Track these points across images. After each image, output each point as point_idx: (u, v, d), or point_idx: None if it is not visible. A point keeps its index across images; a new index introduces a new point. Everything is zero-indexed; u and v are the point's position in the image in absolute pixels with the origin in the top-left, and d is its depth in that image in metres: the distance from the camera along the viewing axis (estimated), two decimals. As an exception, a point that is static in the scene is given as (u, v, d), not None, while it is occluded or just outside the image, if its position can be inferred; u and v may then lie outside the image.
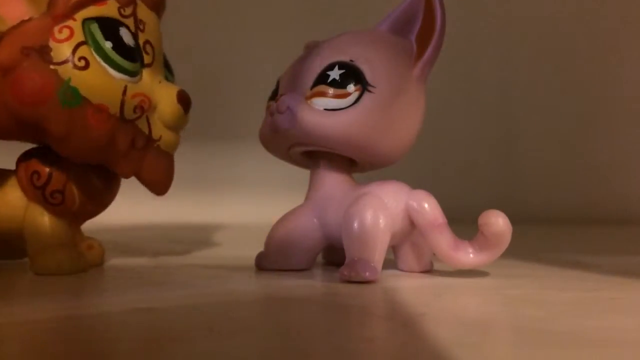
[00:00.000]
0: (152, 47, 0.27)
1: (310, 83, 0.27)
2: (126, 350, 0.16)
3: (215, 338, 0.16)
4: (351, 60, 0.27)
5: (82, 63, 0.24)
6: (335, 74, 0.27)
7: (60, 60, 0.24)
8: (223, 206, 0.67)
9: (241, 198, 0.69)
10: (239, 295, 0.23)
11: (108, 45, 0.25)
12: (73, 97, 0.24)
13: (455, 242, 0.26)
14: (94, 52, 0.25)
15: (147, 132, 0.27)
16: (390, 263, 0.29)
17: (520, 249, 0.25)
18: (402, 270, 0.29)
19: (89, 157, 0.26)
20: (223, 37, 0.73)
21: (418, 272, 0.28)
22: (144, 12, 0.27)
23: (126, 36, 0.26)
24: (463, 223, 0.29)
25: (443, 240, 0.26)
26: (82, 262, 0.28)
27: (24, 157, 0.27)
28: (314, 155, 0.29)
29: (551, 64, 0.79)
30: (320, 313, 0.21)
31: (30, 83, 0.24)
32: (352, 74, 0.27)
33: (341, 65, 0.27)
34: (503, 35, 0.79)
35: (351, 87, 0.27)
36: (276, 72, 0.31)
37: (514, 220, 0.26)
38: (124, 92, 0.25)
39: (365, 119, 0.27)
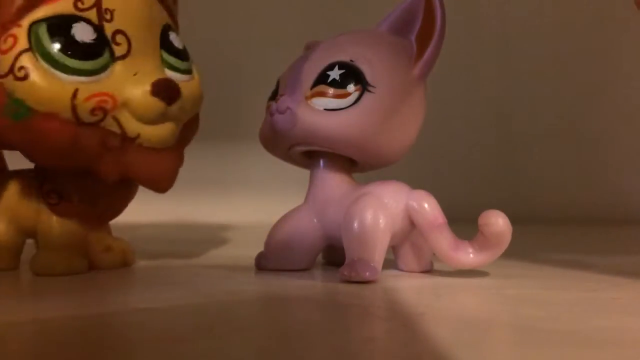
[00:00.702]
0: (127, 36, 0.25)
1: (310, 83, 0.27)
2: (126, 350, 0.16)
3: (215, 338, 0.16)
4: (351, 60, 0.27)
5: (22, 73, 0.23)
6: (335, 74, 0.27)
7: (4, 72, 0.23)
8: (223, 206, 0.67)
9: (241, 198, 0.69)
10: (239, 295, 0.23)
11: (55, 47, 0.24)
12: (20, 109, 0.23)
13: (455, 242, 0.26)
14: (39, 58, 0.23)
15: (118, 131, 0.25)
16: (390, 263, 0.29)
17: (520, 249, 0.25)
18: (402, 270, 0.29)
19: (62, 163, 0.26)
20: (223, 37, 0.73)
21: (418, 272, 0.28)
22: (112, 1, 0.25)
23: (81, 33, 0.24)
24: (463, 223, 0.29)
25: (443, 240, 0.26)
26: (77, 265, 0.28)
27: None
28: (314, 155, 0.29)
29: (551, 64, 0.79)
30: (320, 313, 0.21)
31: None
32: (352, 74, 0.27)
33: (341, 65, 0.27)
34: (503, 35, 0.79)
35: (351, 87, 0.27)
36: (277, 72, 0.31)
37: (514, 220, 0.26)
38: (74, 96, 0.24)
39: (366, 119, 0.27)
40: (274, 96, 0.29)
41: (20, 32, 0.24)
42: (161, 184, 0.27)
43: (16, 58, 0.23)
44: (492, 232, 0.25)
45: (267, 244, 0.29)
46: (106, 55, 0.24)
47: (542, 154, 0.79)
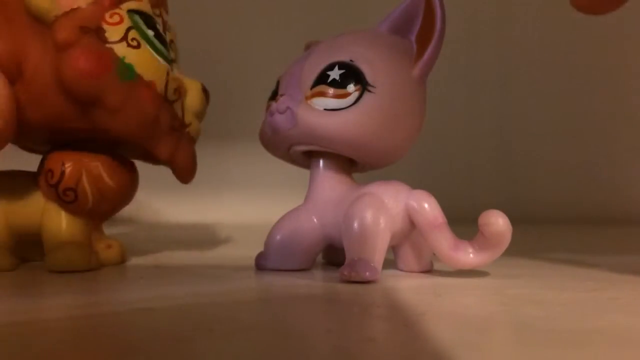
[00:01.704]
0: (175, 46, 0.30)
1: (310, 83, 0.27)
2: (126, 350, 0.16)
3: (215, 338, 0.16)
4: (351, 60, 0.27)
5: (135, 43, 0.27)
6: (335, 74, 0.27)
7: (114, 40, 0.26)
8: (223, 206, 0.67)
9: (241, 198, 0.69)
10: (239, 295, 0.23)
11: (151, 33, 0.27)
12: (129, 73, 0.26)
13: (455, 242, 0.26)
14: (141, 37, 0.27)
15: (181, 116, 0.29)
16: (390, 263, 0.29)
17: (520, 249, 0.25)
18: (402, 270, 0.29)
19: (135, 133, 0.28)
20: (222, 37, 0.73)
21: (418, 272, 0.28)
22: (165, 16, 0.30)
23: (160, 30, 0.28)
24: (463, 223, 0.29)
25: (443, 240, 0.26)
26: (93, 260, 0.29)
27: (43, 159, 0.29)
28: (314, 155, 0.29)
29: (552, 64, 0.79)
30: (320, 313, 0.21)
31: (91, 56, 0.25)
32: (352, 74, 0.27)
33: (341, 65, 0.27)
34: (503, 35, 0.79)
35: (351, 87, 0.27)
36: (276, 72, 0.31)
37: (514, 220, 0.26)
38: (167, 74, 0.28)
39: (365, 119, 0.27)
40: (274, 96, 0.29)
41: (123, 14, 0.27)
42: (192, 174, 0.31)
43: (127, 30, 0.27)
44: (492, 232, 0.25)
45: (267, 244, 0.29)
46: (169, 51, 0.29)
47: (542, 154, 0.79)
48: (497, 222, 0.25)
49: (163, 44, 0.28)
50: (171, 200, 0.63)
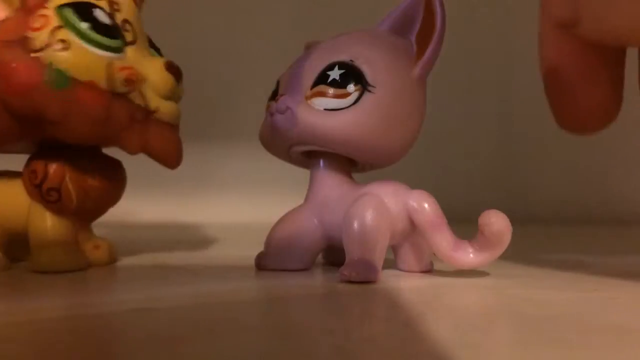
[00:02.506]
0: (132, 25, 0.28)
1: (310, 83, 0.27)
2: (125, 350, 0.16)
3: (215, 338, 0.16)
4: (351, 60, 0.27)
5: (62, 45, 0.25)
6: (335, 74, 0.27)
7: (40, 47, 0.25)
8: (223, 206, 0.67)
9: (241, 198, 0.69)
10: (239, 295, 0.23)
11: (84, 25, 0.26)
12: (60, 79, 0.25)
13: (455, 242, 0.26)
14: (72, 34, 0.25)
15: (143, 104, 0.27)
16: (390, 263, 0.29)
17: (520, 249, 0.25)
18: (402, 270, 0.29)
19: (91, 136, 0.27)
20: (222, 36, 0.73)
21: (418, 272, 0.28)
22: None
23: (101, 16, 0.26)
24: (463, 223, 0.29)
25: (443, 240, 0.26)
26: (79, 261, 0.28)
27: (28, 159, 0.28)
28: (314, 155, 0.29)
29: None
30: (320, 313, 0.21)
31: (15, 72, 0.24)
32: (352, 74, 0.27)
33: (341, 65, 0.27)
34: (504, 34, 0.79)
35: (351, 87, 0.27)
36: (275, 72, 0.31)
37: (513, 220, 0.26)
38: (110, 67, 0.26)
39: (365, 119, 0.27)
40: (274, 96, 0.29)
41: (49, 13, 0.25)
42: (175, 159, 0.29)
43: (53, 32, 0.25)
44: (492, 232, 0.25)
45: (267, 243, 0.29)
46: (121, 39, 0.27)
47: (541, 154, 0.79)
48: (497, 221, 0.25)
49: (107, 31, 0.26)
50: (170, 199, 0.63)
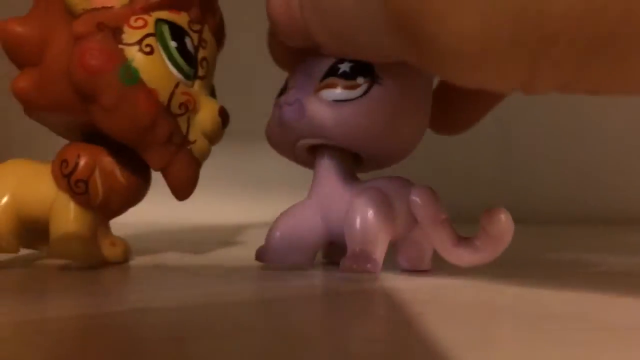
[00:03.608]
0: (208, 65, 0.30)
1: (320, 76, 0.27)
2: (125, 350, 0.16)
3: (215, 338, 0.16)
4: None
5: (148, 49, 0.27)
6: (345, 66, 0.27)
7: (129, 42, 0.27)
8: (223, 206, 0.67)
9: (242, 198, 0.69)
10: (239, 295, 0.23)
11: (173, 44, 0.28)
12: (132, 76, 0.26)
13: (458, 238, 0.26)
14: (159, 46, 0.27)
15: (184, 131, 0.29)
16: (390, 262, 0.29)
17: (521, 249, 0.25)
18: (402, 268, 0.29)
19: (127, 136, 0.28)
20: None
21: (418, 270, 0.28)
22: (207, 35, 0.30)
23: (189, 44, 0.28)
24: (463, 223, 0.29)
25: (445, 236, 0.26)
26: (95, 255, 0.29)
27: (61, 149, 0.29)
28: (320, 151, 0.29)
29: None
30: (321, 313, 0.21)
31: (97, 52, 0.26)
32: (362, 66, 0.27)
33: (352, 59, 0.27)
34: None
35: (361, 79, 0.26)
36: (276, 72, 0.31)
37: (514, 219, 0.26)
38: (176, 86, 0.28)
39: (374, 110, 0.26)
40: (282, 93, 0.29)
41: (149, 20, 0.27)
42: (186, 192, 0.31)
43: (145, 36, 0.27)
44: (494, 230, 0.25)
45: (268, 237, 0.29)
46: (194, 69, 0.29)
47: (542, 154, 0.79)
48: (500, 219, 0.25)
49: (187, 57, 0.28)
50: (171, 199, 0.63)
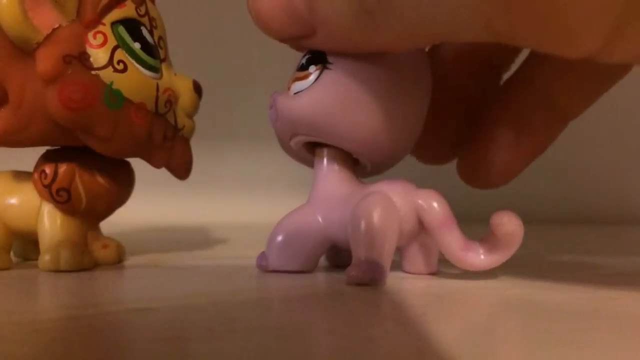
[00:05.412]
0: (164, 41, 0.29)
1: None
2: (125, 350, 0.16)
3: (215, 338, 0.16)
4: None
5: (121, 66, 0.26)
6: (304, 59, 0.27)
7: (100, 65, 0.26)
8: (223, 206, 0.67)
9: (242, 198, 0.69)
10: (239, 295, 0.23)
11: (136, 46, 0.27)
12: (117, 100, 0.26)
13: (465, 242, 0.25)
14: (127, 54, 0.26)
15: (174, 123, 0.29)
16: (396, 264, 0.29)
17: (521, 249, 0.25)
18: (407, 271, 0.28)
19: (128, 153, 0.28)
20: (219, 35, 0.73)
21: (424, 274, 0.28)
22: (152, 9, 0.29)
23: (146, 34, 0.27)
24: (463, 223, 0.29)
25: (452, 240, 0.25)
26: (86, 260, 0.28)
27: (39, 159, 0.29)
28: (317, 150, 0.29)
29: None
30: (321, 313, 0.21)
31: (77, 90, 0.25)
32: (315, 56, 0.27)
33: (310, 51, 0.27)
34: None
35: (312, 68, 0.27)
36: (275, 72, 0.31)
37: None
38: (157, 89, 0.27)
39: (326, 95, 0.26)
40: None
41: (107, 30, 0.26)
42: (187, 172, 0.31)
43: (112, 52, 0.26)
44: (504, 233, 0.25)
45: (269, 243, 0.28)
46: (158, 57, 0.28)
47: (542, 154, 0.78)
48: (510, 222, 0.24)
49: (150, 50, 0.27)
50: (171, 200, 0.63)
